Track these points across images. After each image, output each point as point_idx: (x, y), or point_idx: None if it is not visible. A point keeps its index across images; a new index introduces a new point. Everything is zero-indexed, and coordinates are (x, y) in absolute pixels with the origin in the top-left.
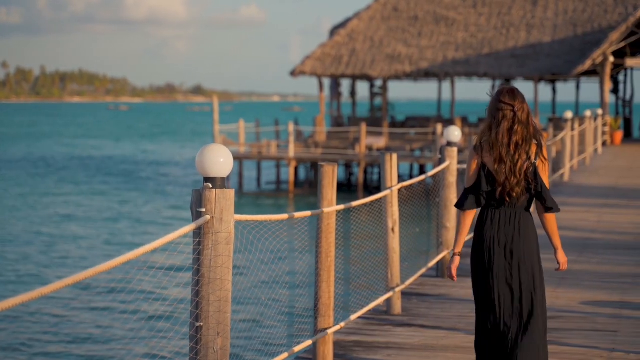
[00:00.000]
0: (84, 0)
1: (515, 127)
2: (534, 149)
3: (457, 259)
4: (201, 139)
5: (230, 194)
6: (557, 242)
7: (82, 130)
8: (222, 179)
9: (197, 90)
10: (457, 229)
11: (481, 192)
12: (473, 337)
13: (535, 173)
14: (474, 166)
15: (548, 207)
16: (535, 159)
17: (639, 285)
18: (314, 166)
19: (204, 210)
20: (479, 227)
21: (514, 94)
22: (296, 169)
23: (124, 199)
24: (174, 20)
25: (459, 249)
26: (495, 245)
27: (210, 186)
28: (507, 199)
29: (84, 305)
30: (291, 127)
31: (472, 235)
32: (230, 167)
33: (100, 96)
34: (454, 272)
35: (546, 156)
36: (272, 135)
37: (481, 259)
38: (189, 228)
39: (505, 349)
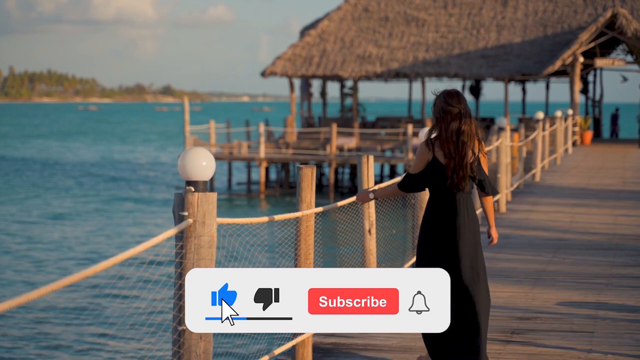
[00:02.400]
0: (52, 1)
1: (463, 127)
2: (476, 144)
3: (370, 197)
4: (170, 140)
5: (213, 197)
6: (492, 220)
7: (50, 130)
8: (205, 182)
9: (166, 91)
10: (389, 189)
11: (434, 182)
12: None
13: (479, 165)
14: (423, 158)
15: (487, 192)
16: (478, 154)
17: (613, 285)
18: (285, 167)
19: (186, 213)
20: (432, 210)
21: (459, 96)
22: (267, 169)
23: (87, 201)
24: (142, 21)
25: (379, 195)
26: (445, 225)
27: (193, 189)
28: (455, 189)
29: (65, 311)
30: (262, 128)
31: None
32: (212, 170)
33: (69, 97)
34: (362, 200)
35: (485, 151)
36: (242, 136)
37: (433, 236)
38: (172, 232)
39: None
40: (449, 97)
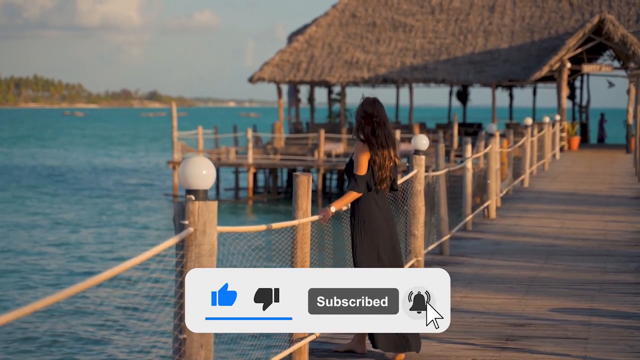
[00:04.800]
0: (38, 6)
1: (377, 132)
2: (392, 149)
3: (330, 213)
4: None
5: (213, 206)
6: None
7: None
8: (205, 191)
9: (153, 96)
10: (344, 198)
11: (372, 181)
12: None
13: (395, 167)
14: (367, 157)
15: (395, 189)
16: (394, 157)
17: (606, 291)
18: (273, 172)
19: (186, 222)
20: (363, 206)
21: (375, 104)
22: (255, 175)
23: (73, 207)
24: (128, 26)
25: (338, 207)
26: (379, 218)
27: (193, 198)
28: (378, 187)
29: (65, 320)
30: (250, 134)
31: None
32: (213, 179)
33: (55, 102)
34: (326, 217)
35: (398, 155)
36: (230, 142)
37: (369, 228)
38: (173, 241)
39: None
40: (366, 105)
